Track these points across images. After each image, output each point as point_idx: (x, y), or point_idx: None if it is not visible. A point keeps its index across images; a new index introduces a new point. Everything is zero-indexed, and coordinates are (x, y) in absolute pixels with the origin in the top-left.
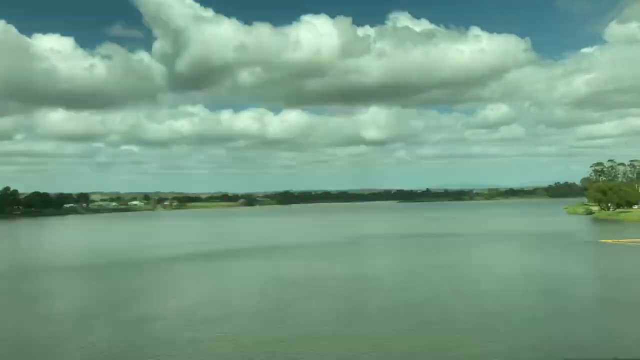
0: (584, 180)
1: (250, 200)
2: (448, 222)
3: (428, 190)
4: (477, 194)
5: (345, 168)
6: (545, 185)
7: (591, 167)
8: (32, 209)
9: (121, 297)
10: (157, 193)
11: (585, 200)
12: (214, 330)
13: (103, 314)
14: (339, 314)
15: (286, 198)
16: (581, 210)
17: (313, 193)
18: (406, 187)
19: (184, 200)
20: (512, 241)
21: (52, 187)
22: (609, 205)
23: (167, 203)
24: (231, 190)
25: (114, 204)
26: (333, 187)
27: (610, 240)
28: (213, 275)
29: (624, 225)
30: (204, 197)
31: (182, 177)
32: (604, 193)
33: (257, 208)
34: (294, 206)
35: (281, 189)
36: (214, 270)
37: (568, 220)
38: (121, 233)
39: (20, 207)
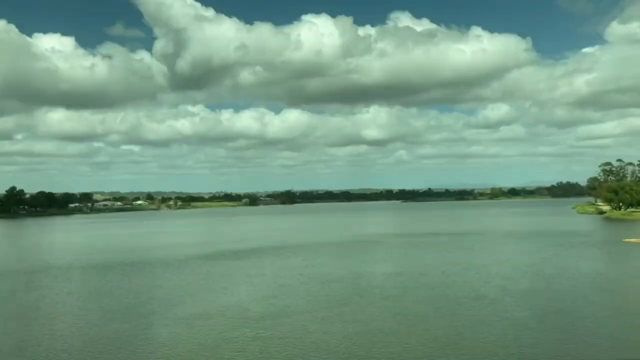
0: (591, 179)
1: (253, 200)
2: (463, 221)
3: (429, 189)
4: (480, 194)
5: (345, 167)
6: (545, 184)
7: (599, 166)
8: (38, 209)
9: (167, 295)
10: (157, 192)
11: (592, 199)
12: (276, 328)
13: (158, 311)
14: (393, 312)
15: (289, 197)
16: (591, 209)
17: (314, 192)
18: (406, 187)
19: (188, 200)
20: (536, 240)
21: (52, 187)
22: (621, 204)
23: (170, 202)
24: (231, 189)
25: (118, 203)
26: (333, 186)
27: (634, 240)
28: (250, 272)
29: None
30: (206, 196)
31: (182, 177)
32: (615, 192)
33: (260, 207)
34: (297, 205)
35: (281, 188)
36: (249, 268)
37: (580, 219)
38: (139, 232)
39: (25, 207)
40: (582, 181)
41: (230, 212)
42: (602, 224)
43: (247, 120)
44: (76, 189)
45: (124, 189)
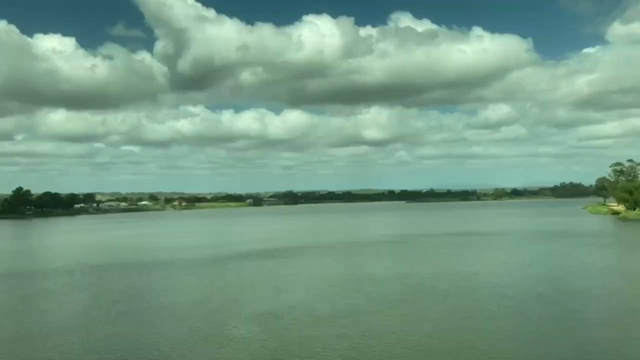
0: (600, 180)
1: (256, 200)
2: (480, 221)
3: (432, 190)
4: (483, 194)
5: (345, 168)
6: (545, 185)
7: (610, 167)
8: (44, 209)
9: (226, 294)
10: (158, 193)
11: (599, 199)
12: (355, 326)
13: (222, 310)
14: (463, 310)
15: (292, 198)
16: (604, 210)
17: (316, 193)
18: (407, 187)
19: (192, 200)
20: (562, 240)
21: (52, 187)
22: (635, 204)
23: (175, 203)
24: (231, 190)
25: (123, 204)
26: (333, 187)
27: None
28: (293, 273)
29: None
30: (208, 196)
31: (182, 177)
32: (630, 193)
33: (265, 208)
34: (301, 206)
35: (282, 189)
36: (289, 267)
37: (596, 220)
38: (157, 232)
39: (31, 207)
40: (585, 181)
41: (237, 212)
42: (622, 225)
43: (247, 121)
44: (76, 189)
45: (124, 190)
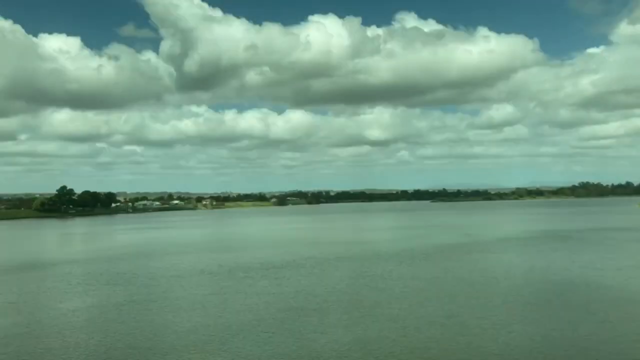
0: None
1: (280, 200)
2: (552, 219)
3: (444, 189)
4: (499, 194)
5: (350, 168)
6: (549, 184)
7: None
8: (86, 208)
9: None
10: (162, 192)
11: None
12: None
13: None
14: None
15: (314, 198)
16: None
17: (330, 193)
18: (410, 187)
19: (221, 199)
20: None
21: (54, 187)
22: None
23: (206, 202)
24: (233, 190)
25: (156, 203)
26: (338, 187)
27: None
28: (433, 274)
29: None
30: (206, 196)
31: (185, 177)
32: None
33: (292, 207)
34: (323, 205)
35: (285, 188)
36: (419, 268)
37: None
38: (277, 228)
39: (72, 206)
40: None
41: (274, 211)
42: None
43: (250, 121)
44: (79, 189)
45: (129, 189)
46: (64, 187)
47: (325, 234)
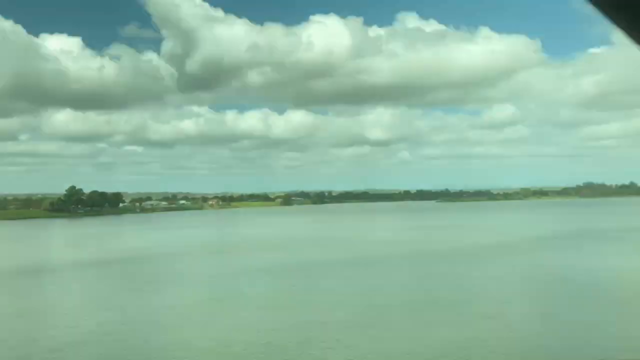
0: None
1: (286, 200)
2: (565, 219)
3: (447, 189)
4: (502, 194)
5: (351, 168)
6: (552, 185)
7: None
8: (95, 208)
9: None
10: (163, 192)
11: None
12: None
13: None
14: None
15: (319, 198)
16: None
17: (332, 193)
18: (411, 187)
19: (228, 200)
20: None
21: (55, 188)
22: None
23: (212, 202)
24: (234, 190)
25: (163, 203)
26: (339, 187)
27: None
28: (495, 273)
29: None
30: (209, 196)
31: (186, 177)
32: None
33: (298, 207)
34: (329, 205)
35: (286, 189)
36: (477, 268)
37: None
38: (314, 227)
39: (80, 206)
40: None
41: (284, 211)
42: None
43: (251, 121)
44: (82, 189)
45: (130, 190)
46: (73, 187)
47: (359, 234)
